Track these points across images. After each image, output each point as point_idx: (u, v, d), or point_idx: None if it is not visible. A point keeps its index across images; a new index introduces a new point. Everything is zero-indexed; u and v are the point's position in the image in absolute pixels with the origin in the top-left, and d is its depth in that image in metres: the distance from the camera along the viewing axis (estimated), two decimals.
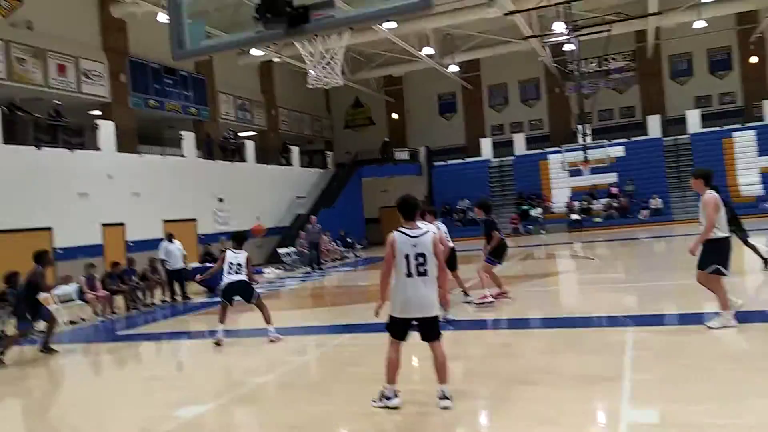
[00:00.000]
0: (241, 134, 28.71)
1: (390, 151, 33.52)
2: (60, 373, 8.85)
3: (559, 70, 31.85)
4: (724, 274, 6.83)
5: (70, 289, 13.57)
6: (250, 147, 27.05)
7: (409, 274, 5.06)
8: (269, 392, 6.42)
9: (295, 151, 30.46)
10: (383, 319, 5.23)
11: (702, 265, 6.91)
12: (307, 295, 15.39)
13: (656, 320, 8.10)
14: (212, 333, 9.00)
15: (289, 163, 29.92)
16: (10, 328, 11.25)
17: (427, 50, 27.97)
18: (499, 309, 9.53)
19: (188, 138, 23.46)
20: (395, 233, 5.16)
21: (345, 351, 7.82)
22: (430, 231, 5.30)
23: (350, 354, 7.63)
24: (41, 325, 9.73)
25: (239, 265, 8.73)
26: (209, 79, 26.64)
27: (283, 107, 32.73)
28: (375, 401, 5.20)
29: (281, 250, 22.87)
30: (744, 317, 7.05)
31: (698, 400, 4.80)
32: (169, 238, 15.68)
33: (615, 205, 28.73)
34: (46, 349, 9.35)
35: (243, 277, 8.74)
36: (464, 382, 5.88)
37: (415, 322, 5.15)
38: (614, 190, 29.45)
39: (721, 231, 6.81)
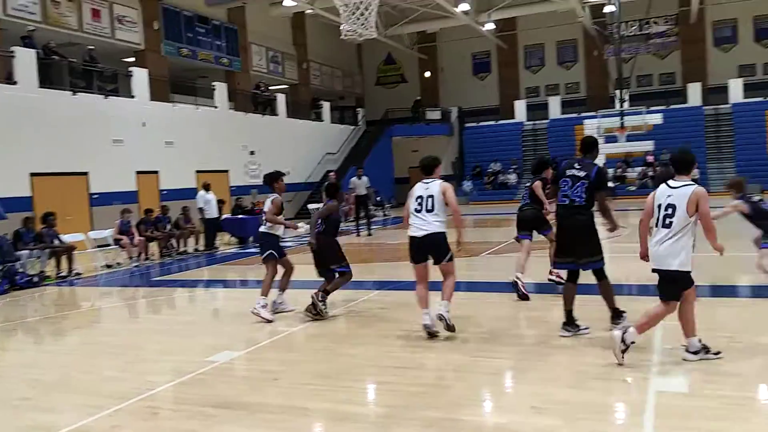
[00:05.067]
0: (272, 87, 28.66)
1: (421, 111, 33.18)
2: (96, 315, 9.13)
3: (598, 32, 30.98)
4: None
5: (106, 233, 13.89)
6: (281, 100, 27.02)
7: (656, 223, 4.99)
8: (300, 342, 6.57)
9: (326, 106, 30.35)
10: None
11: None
12: None
13: None
14: (244, 282, 9.16)
15: (319, 119, 29.86)
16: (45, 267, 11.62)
17: (463, 6, 27.35)
18: (527, 274, 9.50)
19: (220, 89, 23.50)
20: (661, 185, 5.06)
21: (374, 307, 7.93)
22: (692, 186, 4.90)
23: (379, 310, 7.73)
24: None
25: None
26: (241, 29, 26.50)
27: (315, 61, 32.49)
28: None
29: (311, 206, 23.02)
30: None
31: (731, 372, 4.76)
32: (207, 187, 15.90)
33: (650, 174, 28.19)
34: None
35: (265, 228, 7.67)
36: (489, 344, 5.94)
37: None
38: (650, 158, 28.85)
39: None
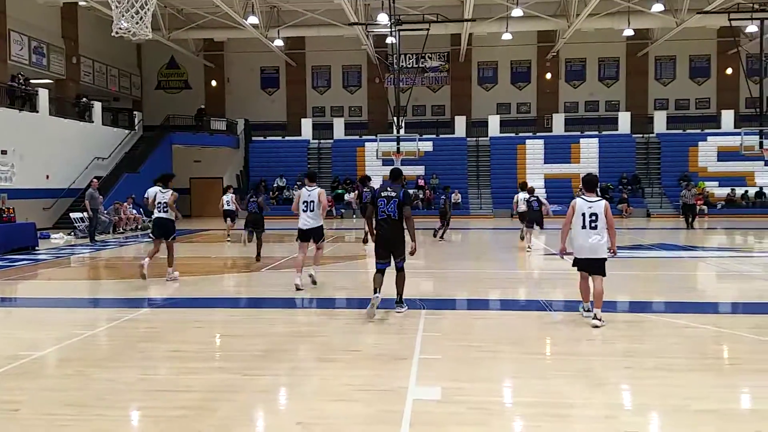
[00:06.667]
0: (34, 81, 25.65)
1: (206, 120, 32.14)
2: None
3: (380, 61, 32.86)
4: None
5: None
6: (43, 96, 24.27)
7: (584, 227, 7.05)
8: (48, 367, 5.88)
9: (97, 106, 27.91)
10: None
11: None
12: (101, 266, 14.27)
13: (449, 304, 8.78)
14: None
15: (89, 119, 27.36)
16: None
17: (252, 19, 27.24)
18: (307, 290, 9.65)
19: None
20: (577, 199, 7.21)
21: (140, 326, 7.41)
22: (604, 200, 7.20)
23: (145, 330, 7.25)
24: None
25: (165, 203, 10.11)
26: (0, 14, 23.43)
27: (87, 57, 29.83)
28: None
29: (74, 215, 20.94)
30: (526, 306, 7.86)
31: (480, 379, 5.28)
32: None
33: (420, 196, 30.47)
34: None
35: (167, 215, 10.17)
36: (261, 361, 5.89)
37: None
38: (421, 182, 31.25)
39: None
